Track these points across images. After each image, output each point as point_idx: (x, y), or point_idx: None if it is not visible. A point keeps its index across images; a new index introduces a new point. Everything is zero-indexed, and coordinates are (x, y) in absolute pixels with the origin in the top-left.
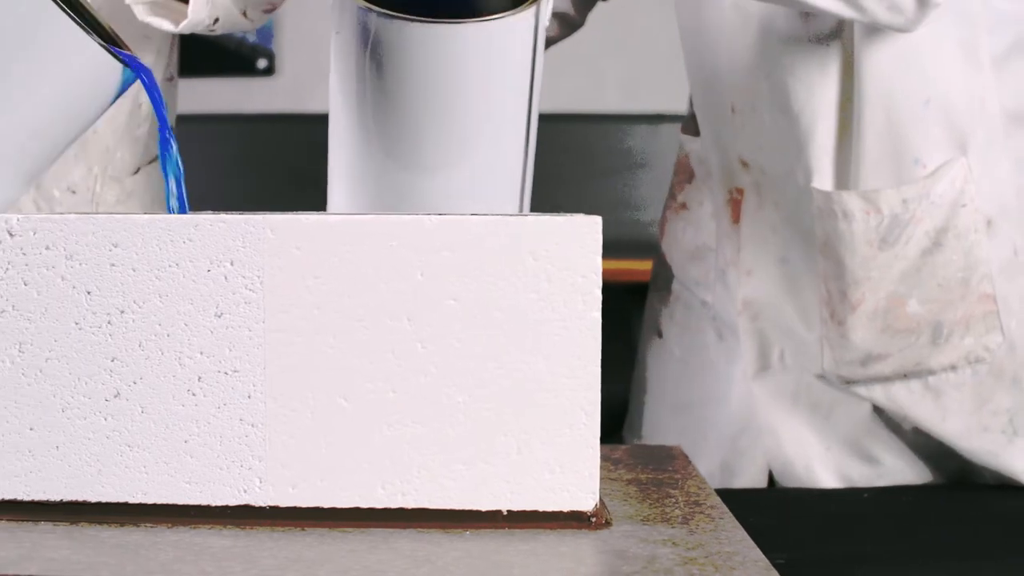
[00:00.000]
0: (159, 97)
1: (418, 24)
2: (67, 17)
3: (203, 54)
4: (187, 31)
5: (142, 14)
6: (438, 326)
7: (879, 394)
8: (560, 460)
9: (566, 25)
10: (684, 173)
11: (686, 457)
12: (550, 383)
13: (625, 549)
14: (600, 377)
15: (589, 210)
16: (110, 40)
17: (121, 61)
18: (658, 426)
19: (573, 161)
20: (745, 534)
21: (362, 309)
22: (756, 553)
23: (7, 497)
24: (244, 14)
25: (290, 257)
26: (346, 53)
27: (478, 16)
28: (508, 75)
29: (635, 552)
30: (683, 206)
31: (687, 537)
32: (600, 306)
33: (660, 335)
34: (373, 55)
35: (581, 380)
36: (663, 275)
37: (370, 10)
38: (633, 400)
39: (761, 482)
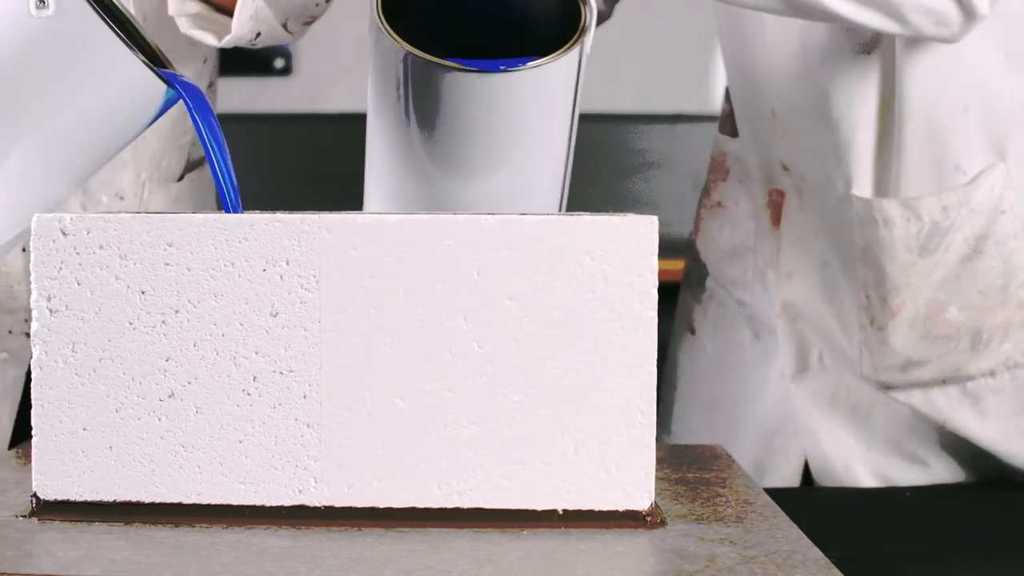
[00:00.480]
0: (210, 118)
1: (467, 74)
2: (115, 36)
3: (221, 53)
4: (230, 45)
5: (185, 27)
6: (495, 326)
7: (918, 399)
8: (616, 459)
9: None
10: (719, 171)
11: (729, 456)
12: (606, 382)
13: (684, 548)
14: (656, 376)
15: (606, 210)
16: (156, 59)
17: (166, 82)
18: (689, 423)
19: (589, 161)
20: (801, 533)
21: (419, 309)
22: (815, 552)
23: (60, 497)
24: (285, 27)
25: (346, 256)
26: (387, 87)
27: (527, 54)
28: (555, 103)
29: (694, 551)
30: (719, 204)
31: (743, 536)
32: (656, 305)
33: (692, 332)
34: (417, 92)
35: (637, 379)
36: (697, 272)
37: (418, 57)
38: (663, 396)
39: (794, 482)
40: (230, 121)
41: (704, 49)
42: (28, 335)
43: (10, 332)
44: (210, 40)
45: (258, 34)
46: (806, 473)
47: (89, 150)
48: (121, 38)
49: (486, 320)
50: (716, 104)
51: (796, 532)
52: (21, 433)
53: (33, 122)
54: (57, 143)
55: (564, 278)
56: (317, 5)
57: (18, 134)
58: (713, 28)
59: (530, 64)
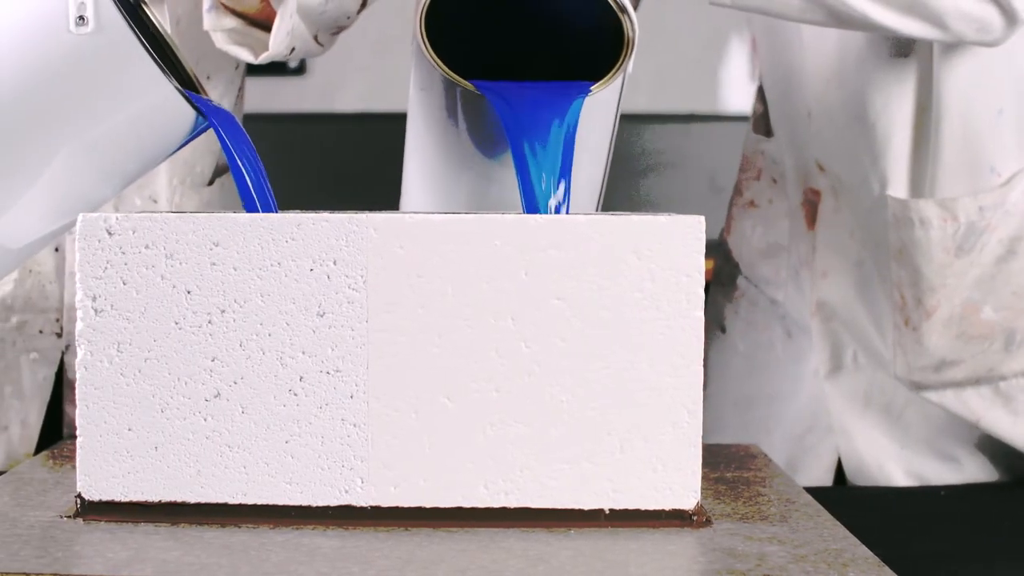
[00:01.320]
0: (243, 145)
1: None
2: (150, 59)
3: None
4: (266, 62)
5: (221, 43)
6: (542, 325)
7: (951, 399)
8: (663, 459)
9: None
10: (751, 170)
11: (766, 456)
12: (653, 382)
13: (732, 547)
14: (702, 375)
15: (621, 210)
16: (190, 83)
17: (197, 109)
18: (719, 420)
19: None
20: (847, 531)
21: (466, 308)
22: (863, 550)
23: (105, 498)
24: (316, 39)
25: (393, 256)
26: (432, 95)
27: (574, 76)
28: (599, 113)
29: (743, 550)
30: (751, 203)
31: (790, 535)
32: (703, 305)
33: (723, 330)
34: (466, 107)
35: (684, 379)
36: (728, 270)
37: (468, 91)
38: None
39: (826, 480)
40: (244, 121)
41: (717, 49)
42: (59, 335)
43: (40, 332)
44: (246, 56)
45: (292, 49)
46: (838, 471)
47: (121, 163)
48: (156, 61)
49: (533, 320)
50: (729, 104)
51: (842, 531)
52: (47, 433)
53: (67, 133)
54: (90, 154)
55: (611, 277)
56: (348, 18)
57: (52, 143)
58: (725, 28)
59: (578, 98)
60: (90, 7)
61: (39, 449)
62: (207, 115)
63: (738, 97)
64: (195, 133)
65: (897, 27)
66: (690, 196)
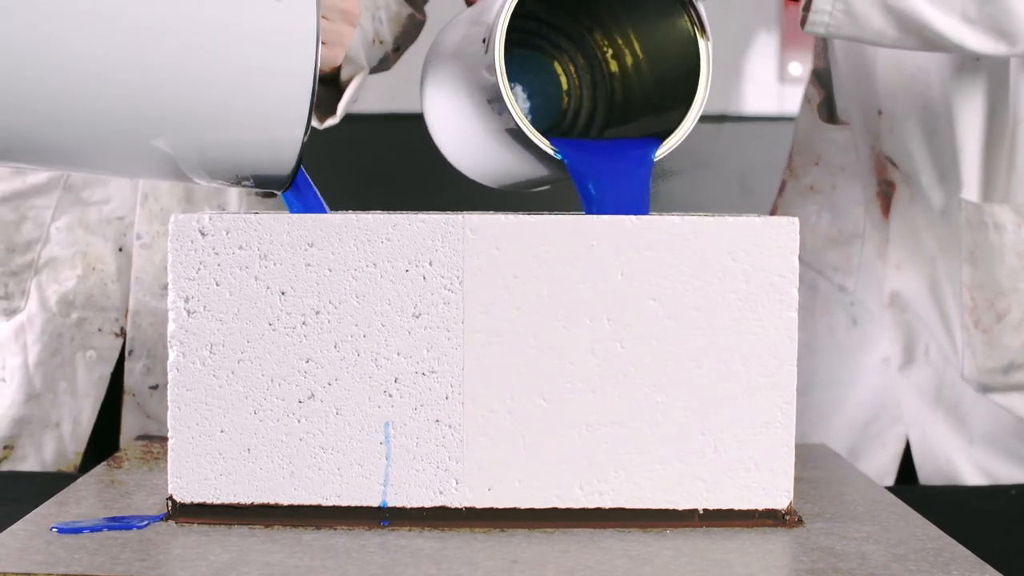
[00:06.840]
0: None
1: None
2: (312, 75)
3: None
4: (327, 126)
5: None
6: (637, 326)
7: (1016, 402)
8: (756, 459)
9: None
10: (808, 155)
11: (838, 455)
12: (747, 382)
13: (831, 546)
14: (796, 376)
15: (654, 210)
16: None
17: (292, 176)
18: None
19: None
20: (940, 531)
21: (562, 309)
22: (961, 549)
23: (197, 500)
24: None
25: (490, 257)
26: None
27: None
28: None
29: (842, 549)
30: (811, 188)
31: (884, 534)
32: (796, 306)
33: None
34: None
35: (777, 379)
36: None
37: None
38: None
39: (891, 469)
40: None
41: (747, 50)
42: (117, 335)
43: (99, 330)
44: (313, 122)
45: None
46: (902, 461)
47: (207, 153)
48: (313, 85)
49: (629, 320)
50: (759, 105)
51: (935, 530)
52: (99, 435)
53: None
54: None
55: (706, 278)
56: (386, 68)
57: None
58: (755, 29)
59: (660, 152)
60: None
61: (88, 450)
62: (299, 191)
63: (768, 98)
64: (269, 190)
65: (991, 51)
66: (721, 197)
